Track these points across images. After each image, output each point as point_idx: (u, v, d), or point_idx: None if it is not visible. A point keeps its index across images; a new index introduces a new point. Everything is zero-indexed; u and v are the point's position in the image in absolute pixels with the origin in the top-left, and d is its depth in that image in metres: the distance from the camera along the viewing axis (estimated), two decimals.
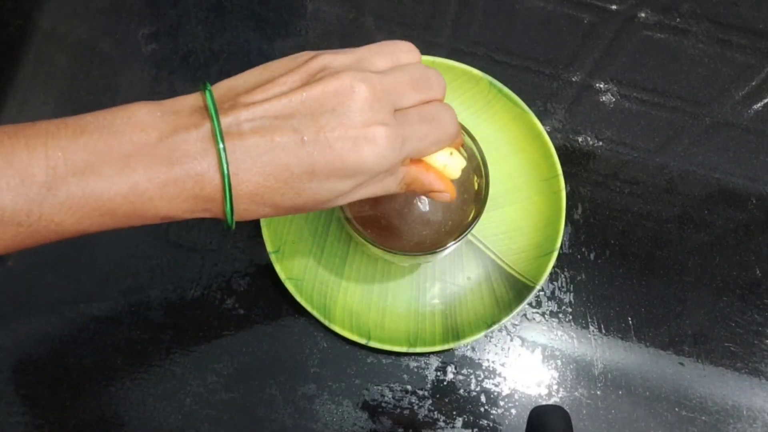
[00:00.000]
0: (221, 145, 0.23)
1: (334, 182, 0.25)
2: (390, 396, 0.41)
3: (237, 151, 0.23)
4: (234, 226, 0.25)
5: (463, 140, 0.32)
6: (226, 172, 0.23)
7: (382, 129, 0.25)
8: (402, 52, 0.28)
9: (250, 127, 0.24)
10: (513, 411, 0.42)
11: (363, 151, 0.24)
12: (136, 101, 0.24)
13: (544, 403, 0.42)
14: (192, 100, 0.25)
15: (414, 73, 0.27)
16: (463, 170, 0.31)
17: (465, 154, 0.37)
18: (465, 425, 0.41)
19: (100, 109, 0.24)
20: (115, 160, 0.22)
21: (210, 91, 0.24)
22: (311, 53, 0.26)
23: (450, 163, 0.30)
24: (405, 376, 0.42)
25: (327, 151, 0.24)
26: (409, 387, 0.42)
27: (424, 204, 0.36)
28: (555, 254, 0.42)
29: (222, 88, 0.25)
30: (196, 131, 0.23)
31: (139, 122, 0.23)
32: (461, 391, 0.42)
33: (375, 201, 0.36)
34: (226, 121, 0.24)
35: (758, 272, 0.46)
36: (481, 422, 0.41)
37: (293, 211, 0.26)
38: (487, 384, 0.42)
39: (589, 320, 0.44)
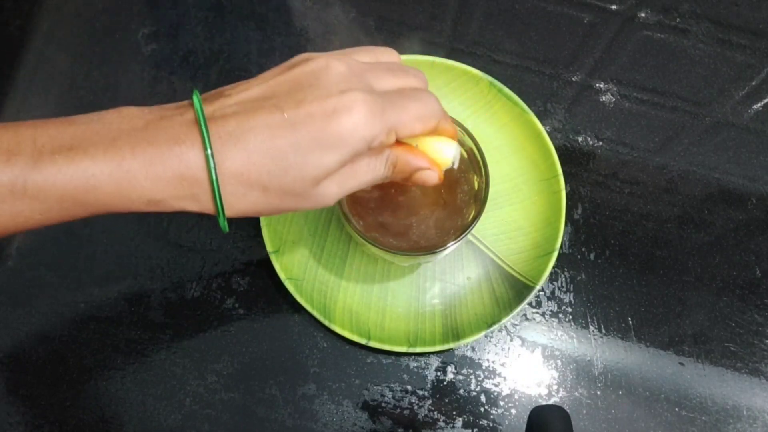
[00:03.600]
0: (202, 122, 0.24)
1: (319, 154, 0.25)
2: (390, 396, 0.41)
3: (220, 131, 0.24)
4: (226, 224, 0.26)
5: (457, 132, 0.32)
6: (207, 142, 0.24)
7: (359, 94, 0.25)
8: (381, 53, 0.30)
9: (233, 110, 0.25)
10: (513, 411, 0.42)
11: (343, 117, 0.25)
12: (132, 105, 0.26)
13: (544, 403, 0.42)
14: (181, 103, 0.26)
15: (392, 65, 0.29)
16: (463, 170, 0.31)
17: (464, 153, 0.37)
18: (465, 425, 0.41)
19: (100, 110, 0.25)
20: (101, 141, 0.23)
21: (197, 91, 0.26)
22: None
23: (441, 148, 0.30)
24: (405, 376, 0.42)
25: (308, 121, 0.25)
26: (409, 387, 0.42)
27: (423, 200, 0.36)
28: (555, 254, 0.42)
29: (210, 92, 0.27)
30: (181, 117, 0.25)
31: (128, 115, 0.25)
32: (461, 391, 0.42)
33: (375, 197, 0.36)
34: (210, 108, 0.25)
35: (758, 272, 0.46)
36: (481, 422, 0.41)
37: (283, 197, 0.26)
38: (487, 384, 0.42)
39: (589, 320, 0.44)
